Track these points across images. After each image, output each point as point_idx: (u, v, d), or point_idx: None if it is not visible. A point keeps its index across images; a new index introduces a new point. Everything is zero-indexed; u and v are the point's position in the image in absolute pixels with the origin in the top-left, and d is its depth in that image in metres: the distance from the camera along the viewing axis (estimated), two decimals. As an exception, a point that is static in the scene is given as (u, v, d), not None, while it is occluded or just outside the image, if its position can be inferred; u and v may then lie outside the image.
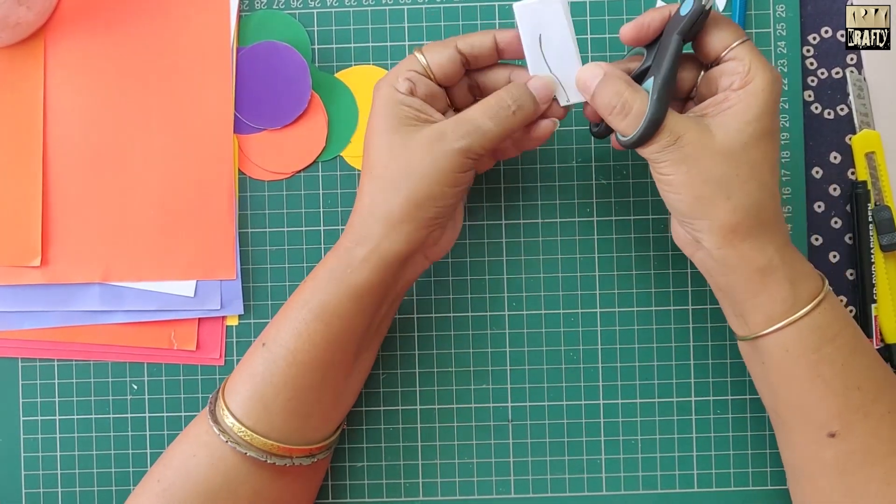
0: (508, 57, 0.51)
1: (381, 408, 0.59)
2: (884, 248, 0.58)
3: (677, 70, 0.48)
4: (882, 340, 0.58)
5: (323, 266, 0.50)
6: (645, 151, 0.48)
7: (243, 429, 0.49)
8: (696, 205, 0.47)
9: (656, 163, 0.47)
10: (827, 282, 0.49)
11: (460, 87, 0.53)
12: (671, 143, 0.46)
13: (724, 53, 0.48)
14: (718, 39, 0.48)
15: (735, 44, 0.48)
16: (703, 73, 0.50)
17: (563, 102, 0.51)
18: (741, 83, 0.47)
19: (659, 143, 0.47)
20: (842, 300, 0.59)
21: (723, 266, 0.48)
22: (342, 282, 0.49)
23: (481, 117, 0.48)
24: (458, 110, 0.52)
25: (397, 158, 0.48)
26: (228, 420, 0.49)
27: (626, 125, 0.47)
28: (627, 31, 0.50)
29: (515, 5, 0.49)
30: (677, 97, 0.52)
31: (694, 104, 0.51)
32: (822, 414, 0.48)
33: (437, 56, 0.50)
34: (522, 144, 0.53)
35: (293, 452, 0.50)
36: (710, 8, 0.48)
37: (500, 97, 0.49)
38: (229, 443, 0.49)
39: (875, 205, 0.58)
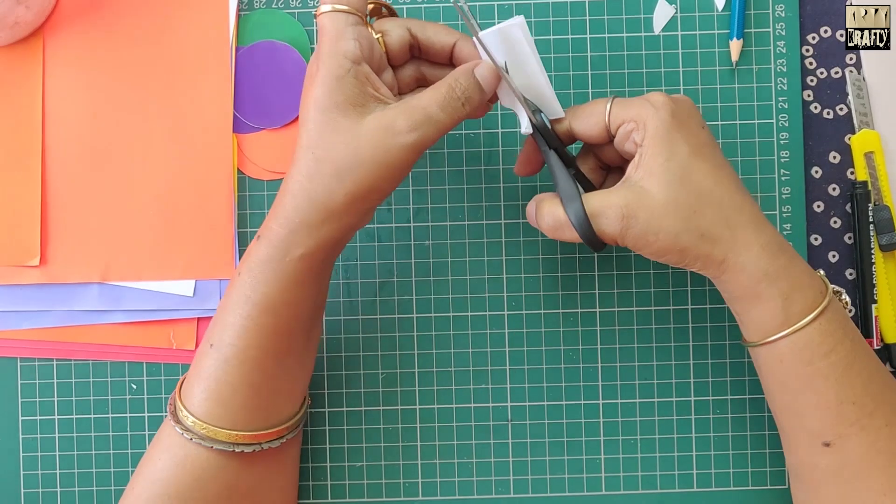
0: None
1: (380, 407, 0.59)
2: (883, 248, 0.58)
3: (571, 170, 0.49)
4: (882, 340, 0.58)
5: (256, 255, 0.48)
6: (613, 242, 0.48)
7: (206, 425, 0.49)
8: (683, 256, 0.47)
9: (631, 248, 0.48)
10: (830, 291, 0.48)
11: (400, 47, 0.50)
12: (622, 217, 0.46)
13: (608, 126, 0.48)
14: (588, 126, 0.49)
15: (608, 110, 0.48)
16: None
17: (523, 129, 0.50)
18: (641, 136, 0.47)
19: (615, 224, 0.46)
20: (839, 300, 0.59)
21: (721, 286, 0.49)
22: (282, 271, 0.47)
23: (433, 106, 0.47)
24: (394, 69, 0.51)
25: (344, 144, 0.46)
26: (189, 420, 0.49)
27: (572, 235, 0.48)
28: (519, 169, 0.53)
29: (480, 34, 0.48)
30: (618, 168, 0.52)
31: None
32: (816, 424, 0.48)
33: None
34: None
35: (260, 439, 0.50)
36: (543, 121, 0.49)
37: (450, 88, 0.47)
38: (194, 440, 0.49)
39: (874, 204, 0.58)
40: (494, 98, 0.51)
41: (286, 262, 0.47)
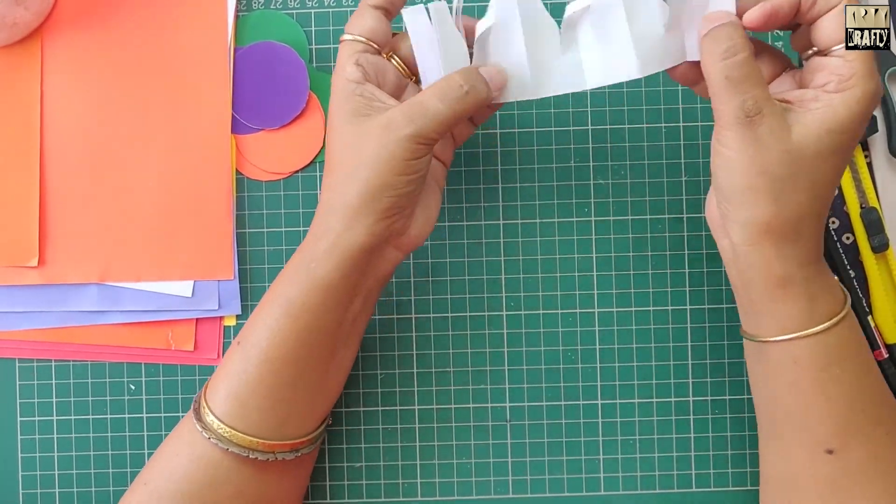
0: None
1: (379, 408, 0.59)
2: (875, 249, 0.58)
3: None
4: (886, 348, 0.58)
5: (290, 262, 0.50)
6: (727, 107, 0.44)
7: (223, 426, 0.49)
8: (743, 193, 0.44)
9: (726, 129, 0.44)
10: (849, 301, 0.47)
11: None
12: (747, 112, 0.43)
13: (834, 47, 0.45)
14: (834, 29, 0.45)
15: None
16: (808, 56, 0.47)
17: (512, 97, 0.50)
18: (837, 87, 0.44)
19: (735, 106, 0.44)
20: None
21: (744, 263, 0.46)
22: (307, 276, 0.49)
23: (430, 100, 0.47)
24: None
25: (351, 150, 0.48)
26: (209, 417, 0.49)
27: None
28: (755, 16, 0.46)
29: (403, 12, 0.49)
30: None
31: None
32: (822, 430, 0.47)
33: (363, 24, 0.49)
34: (477, 119, 0.53)
35: (274, 448, 0.50)
36: None
37: (451, 78, 0.48)
38: (211, 439, 0.49)
39: (861, 207, 0.58)
40: (497, 106, 0.51)
41: (311, 267, 0.48)
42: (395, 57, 0.51)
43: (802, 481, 0.48)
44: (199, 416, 0.50)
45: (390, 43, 0.51)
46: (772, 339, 0.47)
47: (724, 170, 0.45)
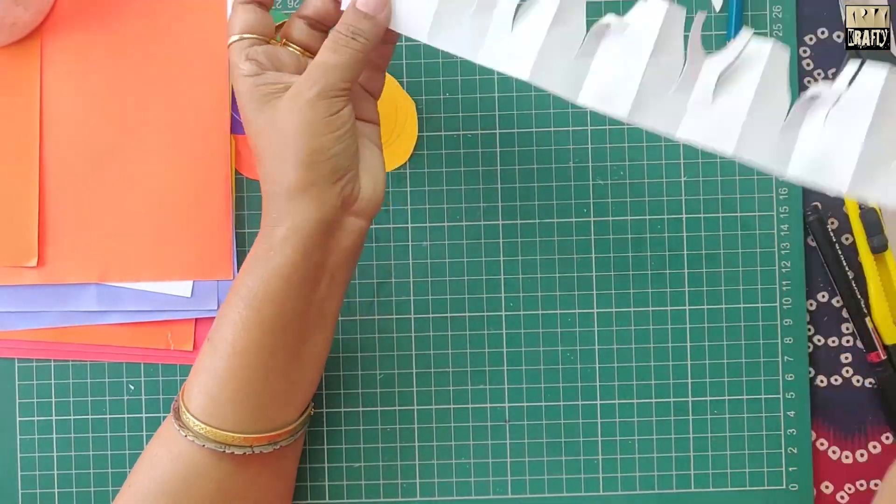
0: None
1: (378, 408, 0.59)
2: (874, 250, 0.58)
3: None
4: (884, 346, 0.58)
5: (250, 253, 0.50)
6: None
7: (199, 423, 0.49)
8: None
9: None
10: None
11: (310, 37, 0.51)
12: None
13: None
14: None
15: None
16: None
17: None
18: None
19: None
20: (838, 301, 0.59)
21: None
22: (266, 265, 0.48)
23: (325, 54, 0.47)
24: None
25: (272, 133, 0.47)
26: (185, 416, 0.50)
27: None
28: None
29: None
30: None
31: None
32: None
33: (242, 21, 0.49)
34: (380, 63, 0.53)
35: (251, 442, 0.50)
36: None
37: (334, 31, 0.48)
38: (188, 437, 0.49)
39: (860, 208, 0.58)
40: (393, 42, 0.51)
41: (270, 255, 0.48)
42: (290, 44, 0.51)
43: None
44: (177, 416, 0.50)
45: (282, 31, 0.51)
46: None
47: None
